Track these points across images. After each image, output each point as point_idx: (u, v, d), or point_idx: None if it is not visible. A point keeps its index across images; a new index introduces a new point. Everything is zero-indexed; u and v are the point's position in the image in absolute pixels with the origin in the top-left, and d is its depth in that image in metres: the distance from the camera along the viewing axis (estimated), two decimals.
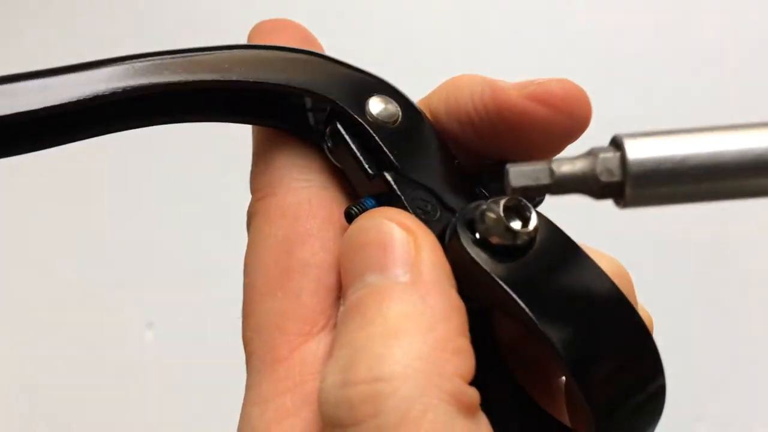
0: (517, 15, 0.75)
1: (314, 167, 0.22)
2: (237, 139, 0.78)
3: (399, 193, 0.20)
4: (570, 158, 0.17)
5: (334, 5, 0.77)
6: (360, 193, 0.21)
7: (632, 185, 0.16)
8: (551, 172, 0.16)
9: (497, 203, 0.19)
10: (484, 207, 0.19)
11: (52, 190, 0.76)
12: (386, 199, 0.21)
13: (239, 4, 0.79)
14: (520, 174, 0.17)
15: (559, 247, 0.19)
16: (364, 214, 0.20)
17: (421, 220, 0.20)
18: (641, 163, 0.16)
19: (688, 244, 0.69)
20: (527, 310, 0.17)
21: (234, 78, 0.20)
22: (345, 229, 0.20)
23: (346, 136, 0.21)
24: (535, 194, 0.17)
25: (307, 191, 0.21)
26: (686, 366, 0.61)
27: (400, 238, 0.18)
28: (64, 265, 0.74)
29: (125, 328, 0.72)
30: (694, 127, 0.17)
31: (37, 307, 0.74)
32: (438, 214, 0.21)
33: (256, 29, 0.24)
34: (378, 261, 0.18)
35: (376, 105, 0.21)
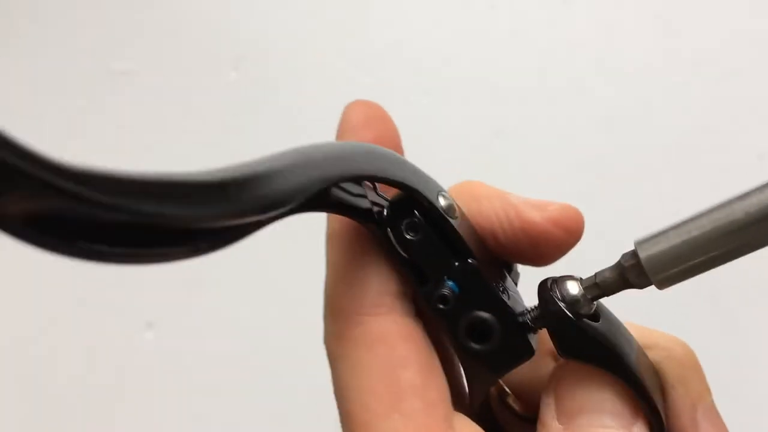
0: (516, 15, 0.75)
1: (392, 281, 0.23)
2: (237, 139, 0.79)
3: (487, 279, 0.23)
4: (604, 272, 0.23)
5: (334, 5, 0.77)
6: (432, 279, 0.23)
7: (657, 282, 0.22)
8: (596, 279, 0.23)
9: (575, 288, 0.23)
10: (575, 293, 0.23)
11: None
12: (468, 284, 0.23)
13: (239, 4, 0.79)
14: (576, 285, 0.23)
15: (609, 314, 0.24)
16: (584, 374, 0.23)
17: (504, 300, 0.23)
18: (655, 267, 0.21)
19: None
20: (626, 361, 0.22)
21: (364, 173, 0.21)
22: (427, 343, 0.23)
23: (428, 228, 0.23)
24: (589, 301, 0.23)
25: (392, 316, 0.23)
26: None
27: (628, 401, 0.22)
28: (64, 265, 0.74)
29: (125, 328, 0.72)
30: (688, 217, 0.22)
31: (37, 307, 0.74)
32: (509, 294, 0.24)
33: (347, 124, 0.26)
34: (616, 410, 0.22)
35: (443, 200, 0.23)
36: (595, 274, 0.23)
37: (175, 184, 0.15)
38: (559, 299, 0.22)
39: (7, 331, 0.73)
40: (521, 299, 0.25)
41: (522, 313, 0.23)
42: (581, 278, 0.23)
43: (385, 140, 0.25)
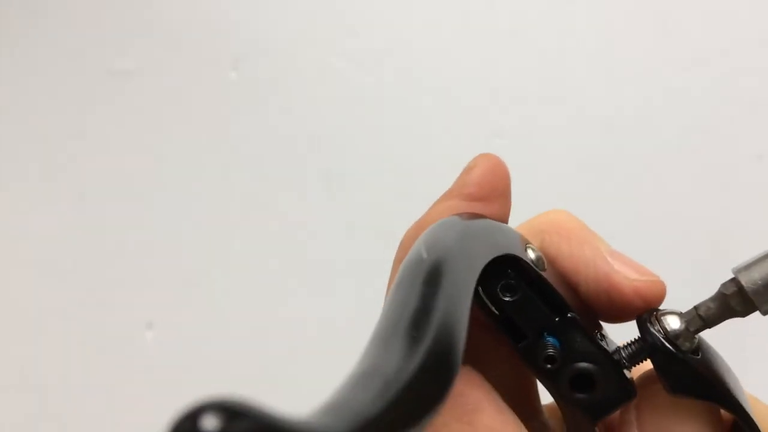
0: (516, 15, 0.75)
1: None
2: (237, 139, 0.79)
3: (587, 331, 0.23)
4: (707, 300, 0.23)
5: (334, 5, 0.77)
6: (530, 335, 0.23)
7: (762, 306, 0.22)
8: (698, 312, 0.23)
9: (677, 323, 0.23)
10: (678, 328, 0.23)
11: (53, 189, 0.76)
12: (569, 338, 0.22)
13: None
14: (677, 320, 0.23)
15: (707, 345, 0.24)
16: None
17: (605, 349, 0.23)
18: (759, 293, 0.22)
19: (689, 244, 0.69)
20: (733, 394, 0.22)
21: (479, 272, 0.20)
22: (490, 386, 0.23)
23: (525, 286, 0.22)
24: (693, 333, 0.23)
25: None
26: None
27: None
28: (64, 265, 0.74)
29: (125, 328, 0.72)
30: None
31: (37, 307, 0.74)
32: (607, 342, 0.24)
33: (469, 185, 0.25)
34: None
35: (532, 254, 0.23)
36: (696, 307, 0.23)
37: None
38: (662, 335, 0.22)
39: (7, 331, 0.73)
40: (607, 335, 0.25)
41: (617, 352, 0.23)
42: (681, 312, 0.23)
43: (497, 204, 0.25)
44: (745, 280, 0.22)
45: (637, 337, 0.23)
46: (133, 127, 0.77)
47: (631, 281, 0.23)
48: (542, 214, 0.26)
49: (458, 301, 0.17)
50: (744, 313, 0.22)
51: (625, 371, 0.23)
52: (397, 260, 0.24)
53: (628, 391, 0.23)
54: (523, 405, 0.26)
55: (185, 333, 0.71)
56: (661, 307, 0.24)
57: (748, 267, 0.22)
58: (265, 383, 0.69)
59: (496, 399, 0.22)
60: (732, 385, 0.23)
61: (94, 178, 0.76)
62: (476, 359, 0.23)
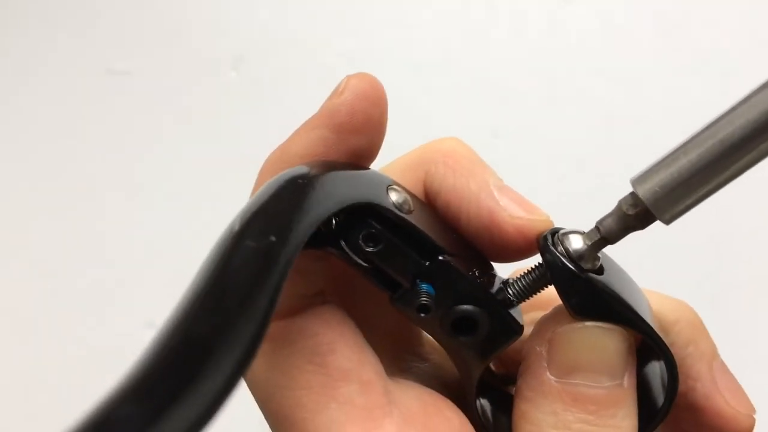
0: (516, 15, 0.75)
1: (301, 285, 0.21)
2: (237, 139, 0.79)
3: (463, 272, 0.21)
4: (606, 216, 0.22)
5: (333, 5, 0.77)
6: (402, 282, 0.22)
7: (664, 219, 0.20)
8: (598, 230, 0.22)
9: (579, 242, 0.22)
10: (580, 248, 0.21)
11: (53, 190, 0.76)
12: (444, 281, 0.21)
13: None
14: (580, 239, 0.22)
15: (612, 263, 0.23)
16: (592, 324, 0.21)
17: (483, 287, 0.22)
18: (659, 203, 0.20)
19: (688, 244, 0.69)
20: (634, 310, 0.21)
21: (321, 218, 0.19)
22: (350, 323, 0.22)
23: (388, 234, 0.21)
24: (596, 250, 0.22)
25: (310, 311, 0.22)
26: None
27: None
28: (64, 265, 0.74)
29: (125, 328, 0.72)
30: (677, 145, 0.20)
31: (37, 307, 0.74)
32: (492, 278, 0.23)
33: (339, 104, 0.23)
34: (612, 367, 0.21)
35: (395, 195, 0.21)
36: (597, 225, 0.22)
37: None
38: (564, 256, 0.21)
39: (7, 331, 0.73)
40: (494, 271, 0.24)
41: (505, 287, 0.22)
42: (583, 231, 0.22)
43: (372, 124, 0.22)
44: (642, 191, 0.20)
45: (537, 264, 0.22)
46: (133, 127, 0.77)
47: (514, 219, 0.22)
48: (432, 141, 0.24)
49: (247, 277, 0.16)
50: (643, 226, 0.21)
51: (513, 307, 0.22)
52: (254, 192, 0.22)
53: (513, 327, 0.22)
54: (403, 343, 0.25)
55: None
56: (563, 228, 0.22)
57: (643, 176, 0.20)
58: None
59: (355, 338, 0.21)
60: (637, 303, 0.21)
61: (94, 177, 0.76)
62: (350, 299, 0.23)
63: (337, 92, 0.23)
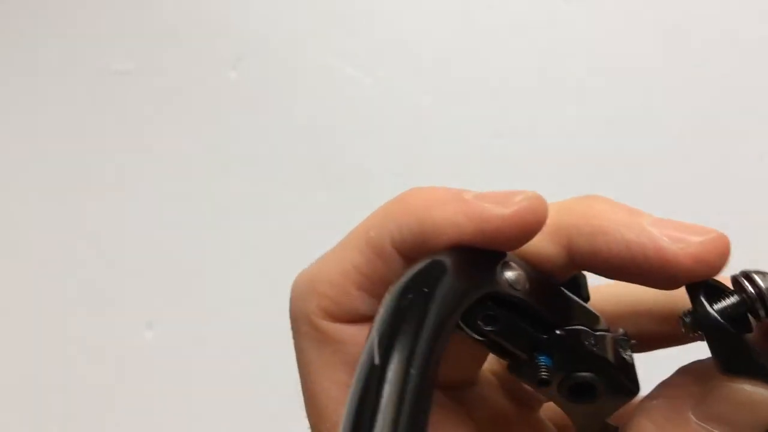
0: (516, 15, 0.75)
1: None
2: (237, 139, 0.78)
3: (579, 342, 0.22)
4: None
5: (333, 5, 0.77)
6: (521, 355, 0.22)
7: None
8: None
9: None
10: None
11: (53, 190, 0.76)
12: (560, 353, 0.22)
13: None
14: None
15: None
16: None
17: (599, 354, 0.22)
18: None
19: None
20: None
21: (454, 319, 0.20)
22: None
23: (506, 313, 0.22)
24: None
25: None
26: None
27: None
28: (64, 265, 0.74)
29: (125, 328, 0.72)
30: None
31: (37, 307, 0.74)
32: (603, 343, 0.23)
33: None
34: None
35: (510, 273, 0.22)
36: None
37: None
38: (714, 310, 0.21)
39: (8, 331, 0.73)
40: (604, 323, 0.24)
41: (621, 347, 0.23)
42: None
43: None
44: None
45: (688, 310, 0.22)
46: (132, 126, 0.77)
47: (683, 249, 0.20)
48: (564, 206, 0.23)
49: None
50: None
51: (630, 369, 0.23)
52: (294, 315, 0.23)
53: (629, 389, 0.22)
54: (459, 371, 0.25)
55: (185, 333, 0.71)
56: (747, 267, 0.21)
57: None
58: (265, 383, 0.69)
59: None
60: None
61: (93, 177, 0.76)
62: None
63: (509, 194, 0.21)
